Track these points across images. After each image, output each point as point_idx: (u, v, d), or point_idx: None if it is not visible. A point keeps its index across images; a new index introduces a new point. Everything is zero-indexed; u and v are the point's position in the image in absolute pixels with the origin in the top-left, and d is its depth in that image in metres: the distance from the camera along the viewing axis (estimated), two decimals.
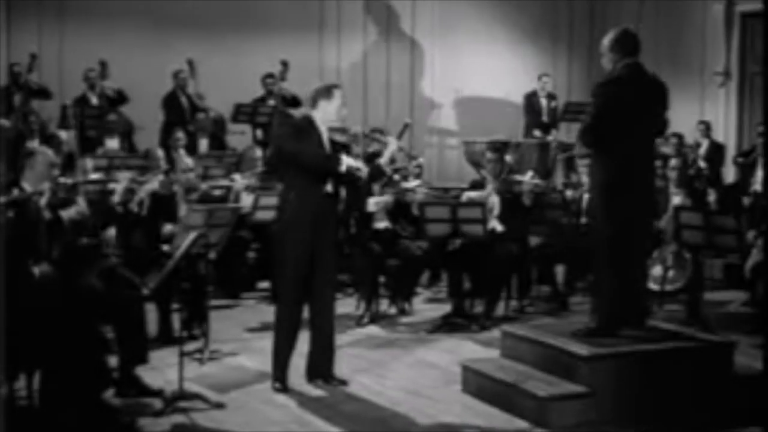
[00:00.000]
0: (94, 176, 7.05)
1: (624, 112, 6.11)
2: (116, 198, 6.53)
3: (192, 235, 6.19)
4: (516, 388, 5.99)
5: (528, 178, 8.96)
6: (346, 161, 6.41)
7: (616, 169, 6.11)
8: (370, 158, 8.57)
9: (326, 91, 6.53)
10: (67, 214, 6.13)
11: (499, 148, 9.31)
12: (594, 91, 6.33)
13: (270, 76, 13.29)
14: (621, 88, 6.15)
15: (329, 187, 6.47)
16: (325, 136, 6.47)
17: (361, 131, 6.59)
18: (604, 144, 6.17)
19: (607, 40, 6.27)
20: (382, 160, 6.66)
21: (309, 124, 6.50)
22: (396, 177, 9.62)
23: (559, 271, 9.76)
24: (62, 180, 6.39)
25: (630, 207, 6.12)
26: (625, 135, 6.11)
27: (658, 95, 6.32)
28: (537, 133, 13.85)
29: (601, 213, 6.25)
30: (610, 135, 6.11)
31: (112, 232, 6.55)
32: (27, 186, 6.11)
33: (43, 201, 6.03)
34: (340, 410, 6.07)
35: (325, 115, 6.50)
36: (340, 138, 6.53)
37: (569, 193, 9.88)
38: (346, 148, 6.62)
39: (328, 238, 6.54)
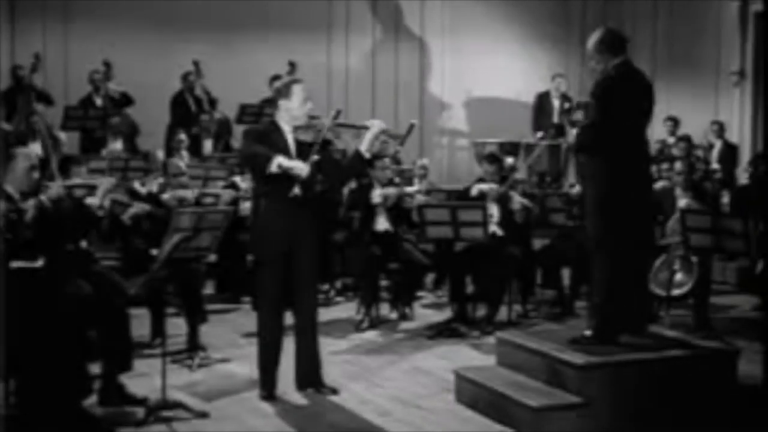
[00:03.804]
0: (77, 180, 6.88)
1: (622, 111, 5.94)
2: (96, 201, 6.35)
3: (175, 239, 6.03)
4: (509, 398, 5.80)
5: (518, 197, 8.76)
6: (278, 161, 5.98)
7: (611, 172, 5.93)
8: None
9: (285, 89, 6.24)
10: None
11: (497, 159, 9.13)
12: (593, 92, 6.13)
13: (277, 77, 13.09)
14: (618, 87, 5.99)
15: (297, 191, 6.14)
16: (290, 137, 6.21)
17: (326, 123, 6.20)
18: (601, 145, 5.98)
19: (592, 42, 6.12)
20: (363, 147, 6.24)
21: (273, 127, 6.25)
22: (397, 179, 9.45)
23: (566, 274, 9.55)
24: (47, 185, 6.22)
25: (626, 210, 5.93)
26: (622, 135, 5.95)
27: (649, 93, 6.17)
28: (539, 134, 13.60)
29: (595, 217, 6.05)
30: (608, 135, 5.93)
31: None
32: (9, 189, 5.99)
33: (29, 216, 5.87)
34: (324, 420, 5.90)
35: (288, 114, 6.21)
36: (305, 137, 6.22)
37: (575, 193, 9.65)
38: (324, 145, 6.30)
39: (304, 243, 6.27)
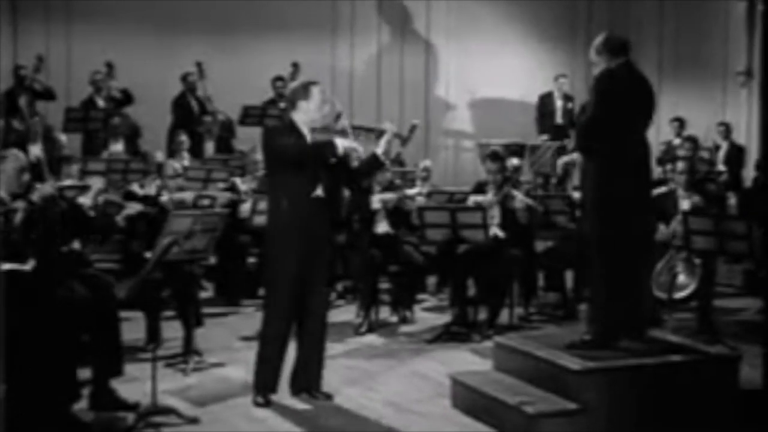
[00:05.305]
0: (69, 181, 6.83)
1: (621, 108, 5.87)
2: (87, 202, 6.30)
3: (165, 241, 5.95)
4: (504, 403, 5.70)
5: (521, 196, 8.64)
6: (341, 143, 6.08)
7: (610, 172, 5.83)
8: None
9: (304, 90, 6.22)
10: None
11: (501, 157, 9.00)
12: (593, 86, 6.04)
13: (280, 78, 13.06)
14: (617, 83, 5.92)
15: (320, 192, 6.18)
16: (308, 138, 6.19)
17: (348, 125, 6.27)
18: (600, 143, 5.88)
19: (594, 47, 6.07)
20: (379, 150, 6.31)
21: (290, 128, 6.21)
22: (398, 182, 9.36)
23: (569, 277, 9.45)
24: (37, 186, 6.15)
25: (625, 211, 5.82)
26: (621, 133, 5.87)
27: (650, 97, 6.08)
28: (543, 137, 13.53)
29: (594, 218, 5.95)
30: (607, 131, 5.83)
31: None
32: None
33: (18, 218, 5.81)
34: (319, 425, 5.81)
35: (306, 116, 6.18)
36: (323, 138, 6.23)
37: (577, 196, 9.53)
38: (328, 147, 6.33)
39: (320, 246, 6.22)
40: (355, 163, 6.29)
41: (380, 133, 6.37)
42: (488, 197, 8.62)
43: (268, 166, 6.46)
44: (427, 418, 5.98)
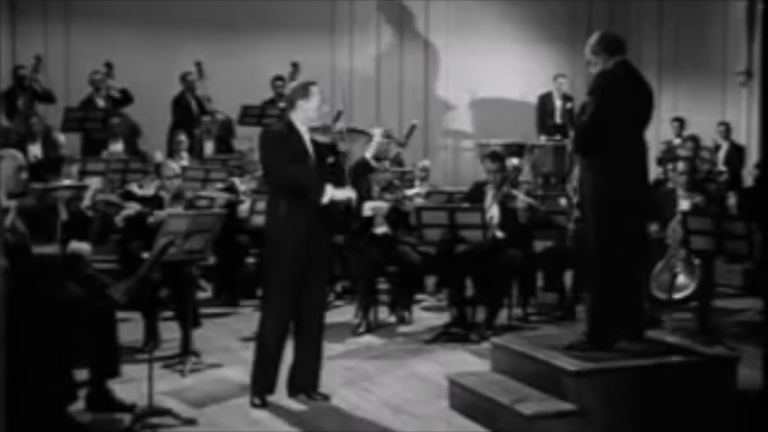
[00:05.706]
0: (67, 181, 6.82)
1: (619, 108, 5.85)
2: (86, 202, 6.29)
3: (161, 242, 5.94)
4: (502, 405, 5.68)
5: (522, 195, 8.62)
6: (330, 193, 6.07)
7: (608, 172, 5.81)
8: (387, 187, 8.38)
9: (303, 90, 6.21)
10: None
11: (499, 157, 8.95)
12: (591, 88, 6.02)
13: (279, 78, 13.04)
14: (616, 83, 5.91)
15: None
16: (306, 137, 6.17)
17: (344, 127, 6.29)
18: (599, 143, 5.86)
19: (589, 46, 6.06)
20: (368, 154, 6.34)
21: (289, 128, 6.19)
22: (397, 182, 9.32)
23: (568, 277, 9.42)
24: (34, 186, 6.15)
25: (624, 212, 5.81)
26: (619, 133, 5.84)
27: (648, 96, 6.06)
28: (542, 138, 13.51)
29: (592, 220, 5.93)
30: (606, 131, 5.81)
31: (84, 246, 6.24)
32: None
33: (8, 220, 5.79)
34: (316, 426, 5.80)
35: (304, 116, 6.17)
36: (322, 138, 6.23)
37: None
38: (330, 148, 6.33)
39: (320, 249, 6.23)
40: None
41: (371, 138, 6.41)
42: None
43: (266, 169, 6.45)
44: (424, 420, 5.96)
